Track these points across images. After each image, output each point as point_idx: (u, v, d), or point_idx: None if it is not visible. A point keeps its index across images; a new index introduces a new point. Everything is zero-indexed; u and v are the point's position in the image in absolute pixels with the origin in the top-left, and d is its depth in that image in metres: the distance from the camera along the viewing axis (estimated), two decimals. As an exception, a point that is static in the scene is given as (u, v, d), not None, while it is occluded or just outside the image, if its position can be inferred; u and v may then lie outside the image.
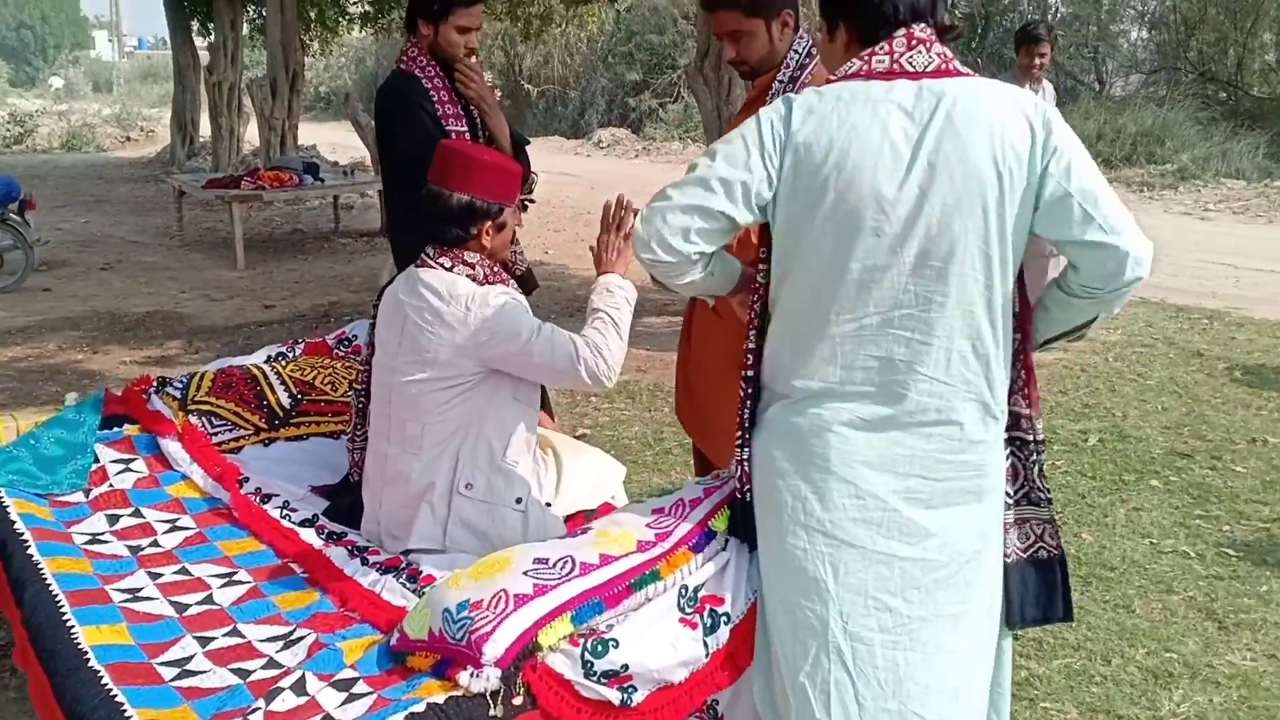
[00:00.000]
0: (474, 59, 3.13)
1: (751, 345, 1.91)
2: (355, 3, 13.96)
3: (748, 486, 1.92)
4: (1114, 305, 1.76)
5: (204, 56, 15.92)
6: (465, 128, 3.12)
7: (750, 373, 1.91)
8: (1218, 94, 15.50)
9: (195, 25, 16.53)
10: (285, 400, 3.21)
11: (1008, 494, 1.86)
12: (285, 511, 2.75)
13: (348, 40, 19.08)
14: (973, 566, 1.83)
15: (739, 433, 1.91)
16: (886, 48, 1.74)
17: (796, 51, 2.58)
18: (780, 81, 2.55)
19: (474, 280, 2.47)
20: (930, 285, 1.70)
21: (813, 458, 1.80)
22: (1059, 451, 4.39)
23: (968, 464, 1.79)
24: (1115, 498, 3.94)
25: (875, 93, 1.71)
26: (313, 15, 14.37)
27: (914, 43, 1.73)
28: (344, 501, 2.78)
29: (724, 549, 1.99)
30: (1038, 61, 5.62)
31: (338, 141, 17.78)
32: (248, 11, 15.53)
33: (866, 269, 1.71)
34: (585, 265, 8.91)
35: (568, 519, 2.62)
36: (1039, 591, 1.91)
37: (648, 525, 2.01)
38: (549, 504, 2.59)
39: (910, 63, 1.72)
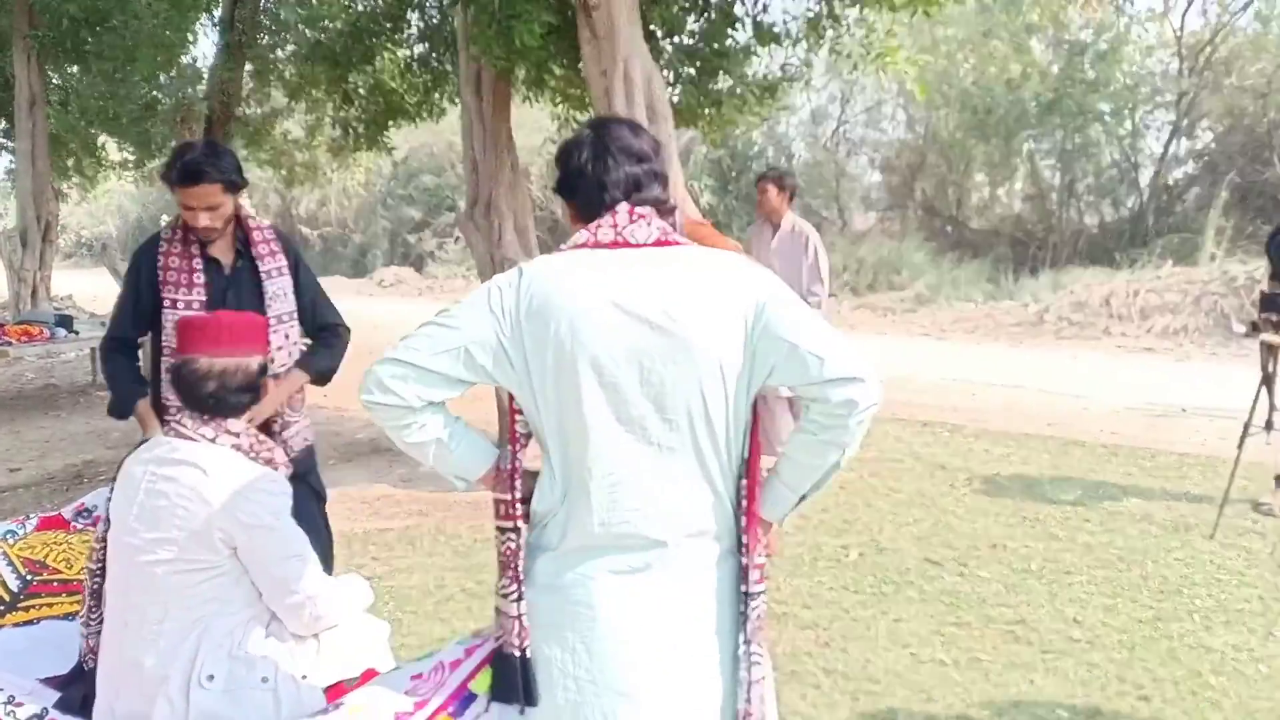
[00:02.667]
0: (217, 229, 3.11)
1: (506, 497, 1.91)
2: (117, 150, 13.49)
3: (527, 642, 1.87)
4: (854, 436, 1.80)
5: (-53, 208, 14.91)
6: (197, 295, 3.11)
7: (508, 523, 1.90)
8: (943, 227, 17.26)
9: (-61, 175, 15.49)
10: (13, 583, 2.95)
11: (759, 653, 1.89)
12: (9, 707, 2.47)
13: (112, 186, 18.30)
14: (728, 710, 1.90)
15: (512, 586, 1.88)
16: (610, 220, 1.87)
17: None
18: None
19: (240, 451, 2.42)
20: (669, 435, 1.81)
21: (578, 608, 1.84)
22: (824, 567, 4.64)
23: (725, 606, 1.88)
24: (877, 610, 4.18)
25: (600, 260, 1.84)
26: (69, 164, 13.75)
27: (635, 217, 1.87)
28: (78, 692, 2.52)
29: (485, 711, 1.93)
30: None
31: (99, 290, 16.83)
32: (-5, 161, 14.72)
33: (610, 423, 1.79)
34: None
35: (327, 690, 2.43)
36: None
37: (405, 693, 1.93)
38: (305, 676, 2.42)
39: (632, 235, 1.86)
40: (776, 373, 1.80)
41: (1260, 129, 14.64)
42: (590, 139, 1.94)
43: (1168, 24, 15.78)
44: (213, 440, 2.39)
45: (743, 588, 1.88)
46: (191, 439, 2.39)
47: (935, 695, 3.47)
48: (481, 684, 1.94)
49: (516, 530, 1.90)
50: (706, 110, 6.89)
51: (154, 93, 10.08)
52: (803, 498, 1.92)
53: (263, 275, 3.19)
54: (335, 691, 2.42)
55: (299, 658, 2.43)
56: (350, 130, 9.26)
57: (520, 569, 1.89)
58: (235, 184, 3.06)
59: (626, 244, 1.85)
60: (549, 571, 1.88)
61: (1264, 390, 4.98)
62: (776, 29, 6.76)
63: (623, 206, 1.88)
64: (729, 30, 6.66)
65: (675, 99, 6.91)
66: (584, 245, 1.87)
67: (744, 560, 1.88)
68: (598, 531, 1.83)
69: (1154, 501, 5.50)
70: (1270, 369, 4.98)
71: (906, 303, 13.82)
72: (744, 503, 1.89)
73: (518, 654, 1.87)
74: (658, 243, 1.87)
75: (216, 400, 2.42)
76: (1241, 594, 4.23)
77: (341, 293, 18.97)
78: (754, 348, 1.80)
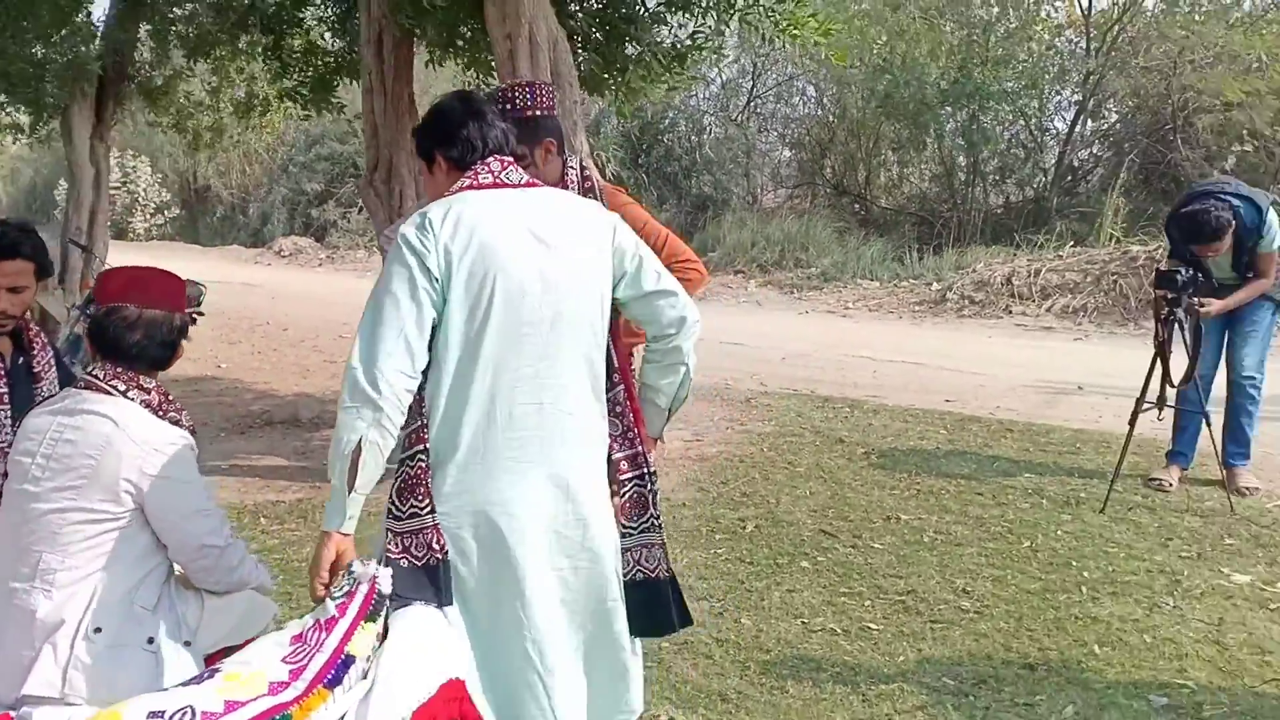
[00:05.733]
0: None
1: (417, 423, 2.11)
2: (8, 113, 12.80)
3: (445, 546, 2.10)
4: (687, 350, 2.29)
5: None
6: None
7: (420, 446, 2.11)
8: (851, 205, 17.44)
9: None
10: None
11: (629, 526, 2.31)
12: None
13: (6, 150, 17.48)
14: (613, 584, 2.26)
15: (425, 501, 2.10)
16: (487, 168, 2.20)
17: (573, 168, 2.98)
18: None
19: (149, 408, 2.40)
20: (561, 339, 2.13)
21: (486, 505, 2.10)
22: (720, 540, 4.61)
23: (597, 488, 2.23)
24: (771, 581, 4.17)
25: (489, 196, 2.15)
26: (-44, 126, 12.97)
27: (505, 164, 2.22)
28: None
29: (364, 676, 1.93)
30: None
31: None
32: None
33: (517, 329, 2.08)
34: (262, 379, 8.52)
35: (209, 657, 2.45)
36: (656, 607, 2.34)
37: (283, 660, 1.90)
38: (188, 642, 2.43)
39: (508, 178, 2.20)
40: (625, 283, 2.22)
41: (1164, 110, 15.00)
42: (462, 102, 2.30)
43: (1076, 3, 16.11)
44: (124, 394, 2.38)
45: (648, 469, 2.34)
46: (104, 390, 2.37)
47: (824, 664, 3.48)
48: (357, 645, 1.95)
49: (426, 451, 2.11)
50: (613, 78, 6.76)
51: (46, 51, 9.51)
52: (670, 415, 2.41)
53: (37, 371, 3.01)
54: (216, 658, 2.41)
55: (186, 622, 2.45)
56: (296, 96, 8.89)
57: (431, 484, 2.10)
58: (46, 270, 2.90)
59: (505, 185, 2.18)
60: (454, 477, 2.11)
61: (1158, 367, 5.06)
62: (687, -5, 6.64)
63: (494, 157, 2.22)
64: (639, -5, 6.54)
65: (581, 65, 6.78)
66: (466, 188, 2.16)
67: (641, 448, 2.32)
68: (501, 426, 2.09)
69: (1046, 476, 5.59)
70: (1167, 345, 5.03)
71: (813, 280, 13.94)
72: (628, 402, 2.32)
73: (439, 559, 2.10)
74: (529, 184, 2.22)
75: (140, 350, 2.42)
76: (1129, 566, 4.31)
77: (240, 262, 18.66)
78: (613, 263, 2.22)
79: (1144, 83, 15.23)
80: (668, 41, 7.10)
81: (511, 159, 2.23)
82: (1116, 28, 15.27)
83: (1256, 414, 5.34)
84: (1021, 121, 16.34)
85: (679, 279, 2.87)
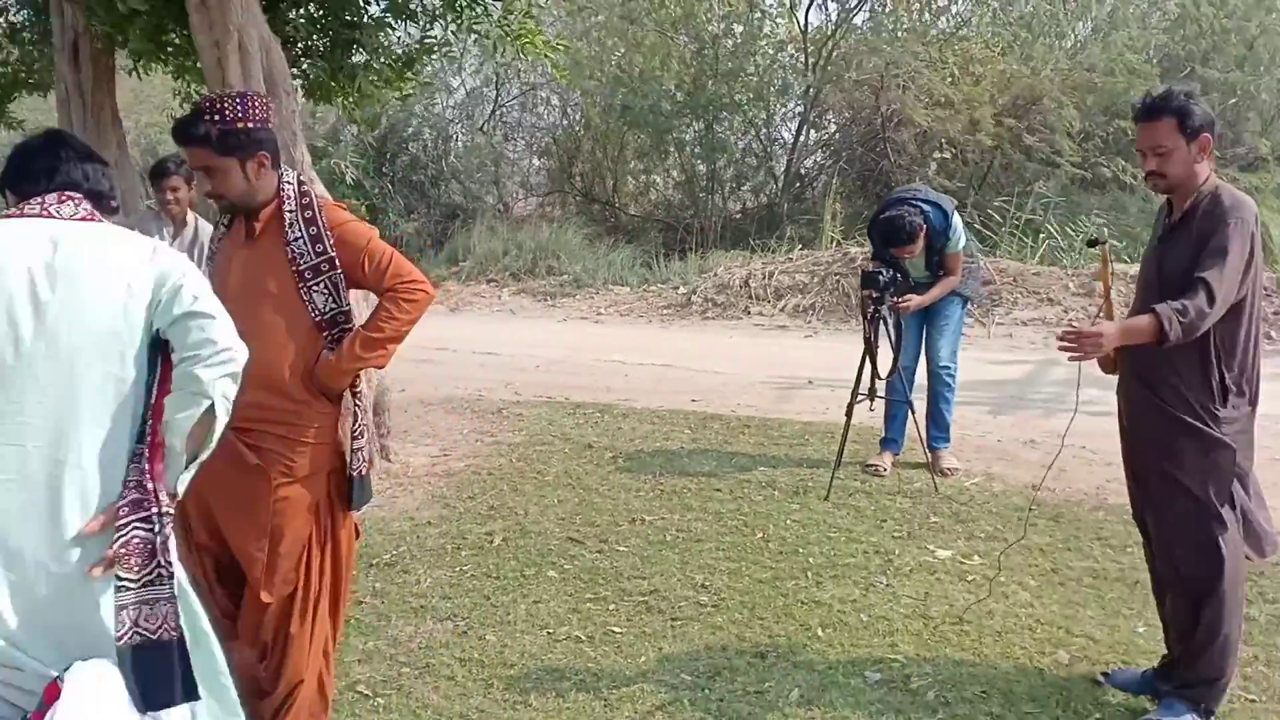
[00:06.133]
0: None
1: None
2: None
3: None
4: (208, 381, 2.04)
5: None
6: None
7: None
8: (600, 212, 17.78)
9: None
10: None
11: (128, 579, 2.01)
12: None
13: None
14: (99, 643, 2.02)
15: None
16: (40, 200, 2.17)
17: (289, 183, 2.83)
18: (290, 211, 2.80)
19: None
20: (64, 378, 1.99)
21: None
22: (467, 556, 4.58)
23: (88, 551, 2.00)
24: (517, 594, 4.18)
25: (20, 225, 2.11)
26: None
27: (64, 199, 2.18)
28: None
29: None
30: (169, 198, 5.03)
31: None
32: None
33: (13, 363, 1.97)
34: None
35: None
36: (166, 673, 2.02)
37: None
38: None
39: (58, 211, 2.16)
40: (160, 310, 2.08)
41: (875, 121, 16.16)
42: (43, 139, 2.31)
43: (795, 20, 17.07)
44: None
45: (157, 510, 2.05)
46: None
47: (568, 673, 3.52)
48: None
49: None
50: (341, 85, 6.58)
51: None
52: (191, 461, 2.14)
53: None
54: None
55: None
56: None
57: None
58: None
59: (52, 217, 2.14)
60: None
61: (867, 360, 5.46)
62: (412, 3, 6.56)
63: (55, 194, 2.18)
64: (361, 1, 6.39)
65: (307, 73, 6.56)
66: (9, 215, 2.16)
67: (151, 485, 2.05)
68: None
69: (779, 468, 5.90)
70: (874, 340, 5.44)
71: (566, 287, 14.08)
72: (149, 435, 2.07)
73: None
74: (82, 218, 2.17)
75: None
76: (849, 549, 4.62)
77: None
78: (152, 299, 2.09)
79: (857, 96, 16.37)
80: (397, 48, 6.99)
81: (81, 195, 2.20)
82: (830, 44, 16.34)
83: (953, 399, 5.88)
84: (752, 132, 17.17)
85: (404, 299, 2.84)
